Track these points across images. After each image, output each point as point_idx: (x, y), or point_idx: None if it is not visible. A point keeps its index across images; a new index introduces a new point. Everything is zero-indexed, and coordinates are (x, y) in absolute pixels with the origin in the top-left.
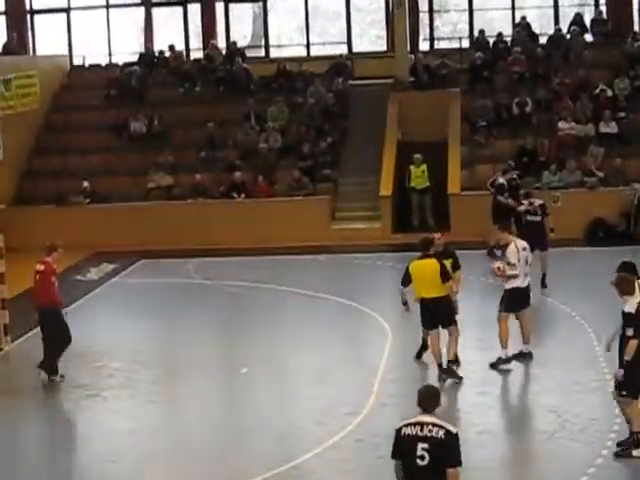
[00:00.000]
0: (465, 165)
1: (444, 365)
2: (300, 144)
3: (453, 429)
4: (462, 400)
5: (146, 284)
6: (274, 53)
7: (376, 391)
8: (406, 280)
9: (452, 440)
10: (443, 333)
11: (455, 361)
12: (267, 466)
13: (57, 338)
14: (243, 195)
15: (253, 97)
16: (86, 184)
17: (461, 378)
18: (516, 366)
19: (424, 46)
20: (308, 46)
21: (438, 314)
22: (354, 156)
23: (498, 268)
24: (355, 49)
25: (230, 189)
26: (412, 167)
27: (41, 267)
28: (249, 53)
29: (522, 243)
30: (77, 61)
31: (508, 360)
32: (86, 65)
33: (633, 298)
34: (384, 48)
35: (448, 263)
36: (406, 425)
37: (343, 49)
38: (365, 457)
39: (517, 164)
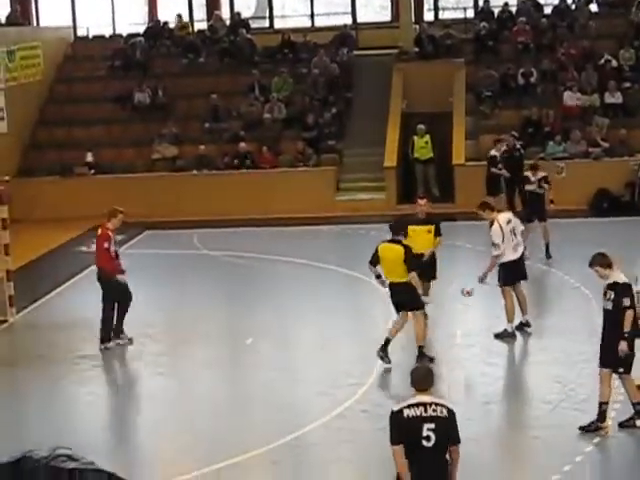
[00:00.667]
0: (470, 136)
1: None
2: (304, 115)
3: (451, 406)
4: (468, 371)
5: (151, 255)
6: (278, 24)
7: (380, 361)
8: (374, 260)
9: (453, 417)
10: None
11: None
12: (272, 436)
13: (106, 301)
14: (248, 165)
15: (257, 68)
16: (90, 155)
17: (433, 358)
18: (521, 336)
19: (429, 16)
20: (312, 16)
21: (399, 299)
22: (358, 127)
23: (468, 292)
24: (359, 19)
25: (234, 160)
26: (416, 138)
27: (99, 231)
28: (253, 24)
29: (505, 216)
30: (81, 32)
31: (513, 333)
32: (90, 36)
33: (616, 271)
34: (388, 18)
35: (431, 228)
36: (407, 407)
37: (347, 19)
38: (370, 427)
39: (522, 134)
